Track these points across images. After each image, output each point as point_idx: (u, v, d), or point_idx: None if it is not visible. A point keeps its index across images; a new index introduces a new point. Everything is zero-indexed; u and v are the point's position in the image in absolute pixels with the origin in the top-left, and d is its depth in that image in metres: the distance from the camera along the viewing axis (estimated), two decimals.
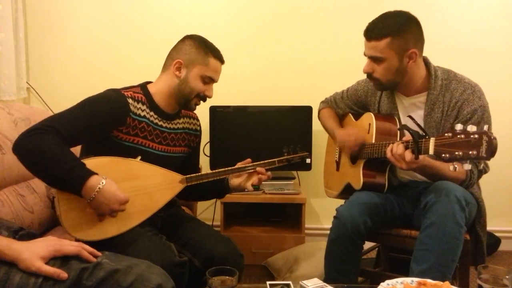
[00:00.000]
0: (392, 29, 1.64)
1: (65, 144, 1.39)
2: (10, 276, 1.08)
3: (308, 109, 2.63)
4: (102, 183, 1.36)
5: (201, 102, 1.69)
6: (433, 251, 1.54)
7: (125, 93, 1.56)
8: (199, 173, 1.62)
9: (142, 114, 1.58)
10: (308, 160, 2.66)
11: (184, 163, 1.78)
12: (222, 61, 1.67)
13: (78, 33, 2.82)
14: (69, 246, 1.16)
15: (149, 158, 1.58)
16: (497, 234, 2.82)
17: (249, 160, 1.71)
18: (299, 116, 2.63)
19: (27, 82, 2.77)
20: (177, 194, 1.61)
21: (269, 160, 1.73)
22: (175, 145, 1.71)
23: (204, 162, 2.46)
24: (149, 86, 1.66)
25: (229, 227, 2.60)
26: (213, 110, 2.65)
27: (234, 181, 1.72)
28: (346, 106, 2.07)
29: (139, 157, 1.55)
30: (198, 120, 1.85)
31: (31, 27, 2.80)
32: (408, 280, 1.31)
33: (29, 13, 2.79)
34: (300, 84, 2.83)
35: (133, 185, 1.49)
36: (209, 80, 1.64)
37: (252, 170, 1.69)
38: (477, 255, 1.78)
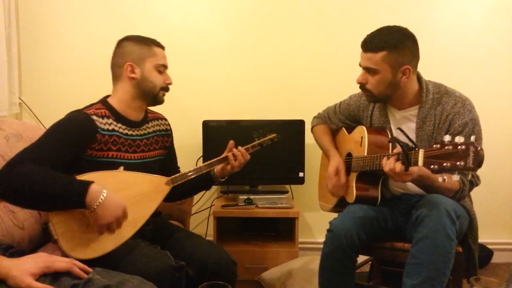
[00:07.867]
0: (389, 44, 1.66)
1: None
2: None
3: (301, 123, 2.64)
4: (104, 191, 1.35)
5: (166, 93, 1.71)
6: (425, 265, 1.54)
7: (88, 112, 1.56)
8: (183, 172, 1.65)
9: (111, 128, 1.59)
10: (301, 174, 2.67)
11: (164, 165, 1.79)
12: (163, 47, 1.71)
13: (71, 49, 2.82)
14: (60, 262, 1.15)
15: (127, 169, 1.57)
16: (489, 246, 2.82)
17: (232, 142, 1.76)
18: (291, 130, 2.64)
19: (19, 98, 2.77)
20: (165, 198, 1.61)
21: (244, 147, 1.77)
22: (149, 150, 1.72)
23: None
24: (109, 100, 1.66)
25: (222, 242, 2.58)
26: (206, 124, 2.66)
27: (218, 169, 1.78)
28: (339, 121, 2.09)
29: (122, 167, 1.55)
30: (166, 119, 1.87)
31: (24, 42, 2.80)
32: None
33: (22, 29, 2.79)
34: (293, 98, 2.85)
35: (124, 196, 1.48)
36: (163, 69, 1.67)
37: (232, 159, 1.74)
38: (469, 267, 1.78)
